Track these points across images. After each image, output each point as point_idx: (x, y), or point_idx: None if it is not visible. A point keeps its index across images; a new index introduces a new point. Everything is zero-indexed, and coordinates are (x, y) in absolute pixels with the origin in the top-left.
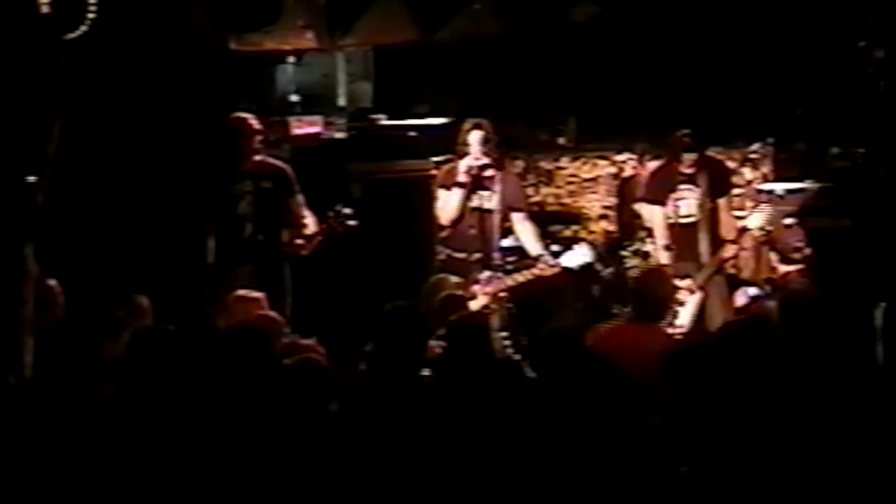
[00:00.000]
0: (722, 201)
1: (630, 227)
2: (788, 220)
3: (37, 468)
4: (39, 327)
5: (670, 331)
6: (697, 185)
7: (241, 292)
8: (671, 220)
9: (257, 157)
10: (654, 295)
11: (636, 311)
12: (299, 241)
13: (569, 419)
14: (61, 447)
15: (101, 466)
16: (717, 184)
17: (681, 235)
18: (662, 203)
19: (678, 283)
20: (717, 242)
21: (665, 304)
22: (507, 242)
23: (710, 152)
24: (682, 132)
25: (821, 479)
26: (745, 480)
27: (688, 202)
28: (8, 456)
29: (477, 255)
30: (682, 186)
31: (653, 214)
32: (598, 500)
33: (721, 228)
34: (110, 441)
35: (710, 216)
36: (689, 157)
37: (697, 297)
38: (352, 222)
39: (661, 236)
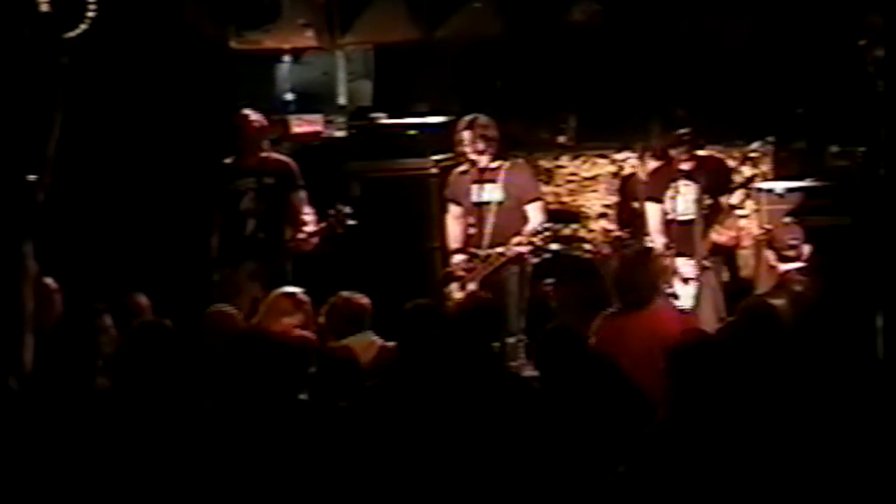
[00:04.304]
0: (722, 199)
1: (631, 226)
2: (786, 219)
3: (36, 466)
4: (38, 326)
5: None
6: (696, 182)
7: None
8: (669, 217)
9: (262, 154)
10: (637, 281)
11: (621, 299)
12: (300, 238)
13: (572, 417)
14: (60, 445)
15: (99, 464)
16: (717, 182)
17: (679, 232)
18: (660, 200)
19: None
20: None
21: (650, 289)
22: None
23: (710, 151)
24: (681, 131)
25: (823, 476)
26: (748, 476)
27: (686, 199)
28: (8, 454)
29: (487, 252)
30: (681, 183)
31: (651, 211)
32: (601, 496)
33: (721, 226)
34: (109, 439)
35: (710, 214)
36: (679, 151)
37: (693, 285)
38: (351, 221)
39: (657, 233)
